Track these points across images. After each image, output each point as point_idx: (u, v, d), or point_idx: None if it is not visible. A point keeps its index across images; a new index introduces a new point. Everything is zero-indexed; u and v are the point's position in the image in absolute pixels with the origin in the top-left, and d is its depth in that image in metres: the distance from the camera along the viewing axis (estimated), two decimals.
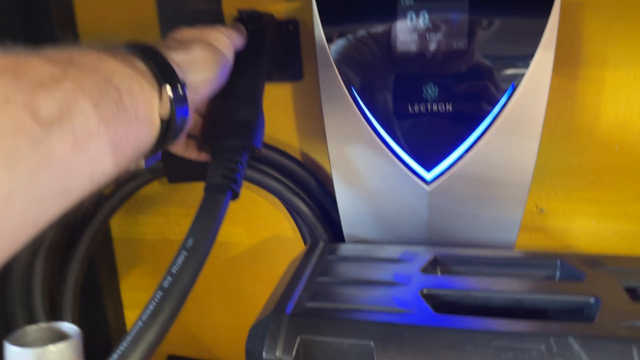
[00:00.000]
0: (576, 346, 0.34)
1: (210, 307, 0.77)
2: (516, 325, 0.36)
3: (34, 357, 0.23)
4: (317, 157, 0.65)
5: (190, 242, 0.36)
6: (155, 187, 0.71)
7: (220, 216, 0.38)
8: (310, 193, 0.64)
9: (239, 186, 0.41)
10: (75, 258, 0.61)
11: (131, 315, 0.80)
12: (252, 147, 0.43)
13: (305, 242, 0.67)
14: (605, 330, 0.35)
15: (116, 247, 0.76)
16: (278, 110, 0.64)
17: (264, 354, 0.37)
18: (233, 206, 0.70)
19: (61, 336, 0.25)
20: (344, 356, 0.37)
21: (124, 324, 0.79)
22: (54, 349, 0.24)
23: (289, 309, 0.40)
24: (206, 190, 0.40)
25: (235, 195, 0.41)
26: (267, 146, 0.64)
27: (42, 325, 0.26)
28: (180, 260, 0.35)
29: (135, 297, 0.79)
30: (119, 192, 0.63)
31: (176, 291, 0.34)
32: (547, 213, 0.62)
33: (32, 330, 0.26)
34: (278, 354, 0.37)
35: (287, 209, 0.67)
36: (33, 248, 0.60)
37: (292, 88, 0.63)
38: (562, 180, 0.60)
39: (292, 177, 0.64)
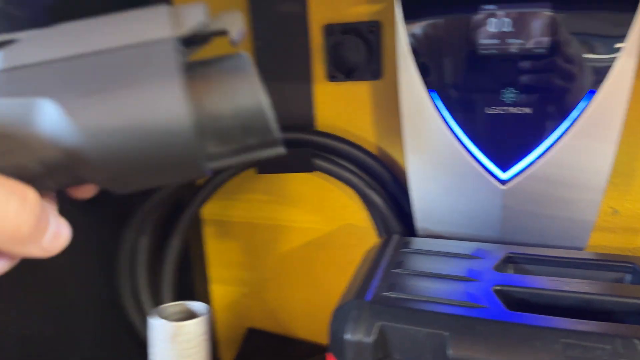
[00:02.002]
0: None
1: (287, 286, 0.83)
2: (583, 325, 0.39)
3: (174, 329, 0.28)
4: (393, 152, 0.69)
5: None
6: (242, 176, 0.76)
7: None
8: (385, 186, 0.67)
9: None
10: (175, 238, 0.68)
11: (216, 289, 0.87)
12: None
13: (378, 232, 0.71)
14: None
15: (205, 228, 0.83)
16: (356, 107, 0.68)
17: (346, 336, 0.42)
18: (312, 196, 0.75)
19: (191, 313, 0.31)
20: (419, 344, 0.40)
21: (209, 297, 0.86)
22: (191, 324, 0.29)
23: (369, 296, 0.44)
24: None
25: None
26: (345, 141, 0.68)
27: (176, 303, 0.32)
28: None
29: (220, 272, 0.86)
30: (213, 181, 0.69)
31: None
32: (621, 214, 0.62)
33: (170, 307, 0.31)
34: (359, 336, 0.41)
35: (362, 201, 0.71)
36: (139, 227, 0.68)
37: (370, 86, 0.67)
38: (637, 182, 0.60)
39: (368, 171, 0.67)
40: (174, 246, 0.67)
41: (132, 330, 0.72)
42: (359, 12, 0.63)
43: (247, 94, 0.24)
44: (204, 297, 0.85)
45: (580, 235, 0.56)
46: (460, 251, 0.52)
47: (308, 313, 0.82)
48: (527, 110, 0.53)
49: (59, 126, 0.23)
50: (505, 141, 0.54)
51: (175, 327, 0.28)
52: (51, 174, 0.24)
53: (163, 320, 0.28)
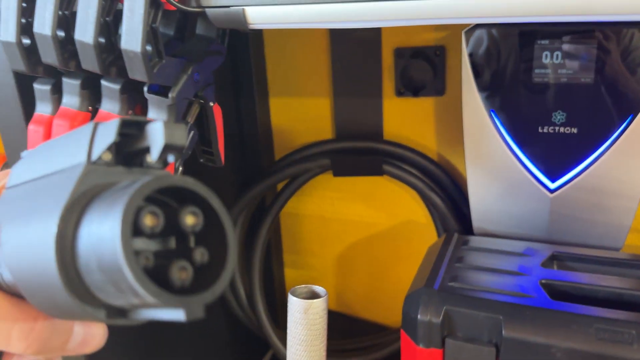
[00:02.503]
0: None
1: (352, 272, 0.94)
2: (614, 314, 0.48)
3: (305, 306, 0.39)
4: (452, 159, 0.78)
5: None
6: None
7: None
8: (445, 190, 0.77)
9: None
10: (262, 231, 0.80)
11: (289, 273, 0.99)
12: None
13: (437, 230, 0.80)
14: None
15: (282, 220, 0.95)
16: (420, 119, 0.78)
17: (418, 317, 0.52)
18: (377, 194, 0.85)
19: (315, 294, 0.42)
20: (478, 325, 0.50)
21: (284, 280, 0.99)
22: (318, 301, 0.40)
23: (436, 285, 0.54)
24: None
25: None
26: (410, 149, 0.78)
27: (303, 286, 0.42)
28: None
29: (294, 259, 0.98)
30: (294, 183, 0.81)
31: None
32: None
33: (298, 289, 0.42)
34: (429, 317, 0.52)
35: (424, 202, 0.81)
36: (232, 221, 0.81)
37: (433, 101, 0.76)
38: None
39: (430, 176, 0.77)
40: (261, 238, 0.80)
41: (228, 308, 0.85)
42: (426, 38, 0.73)
43: (109, 244, 0.19)
44: (280, 280, 0.98)
45: (617, 237, 0.64)
46: (512, 249, 0.62)
47: (370, 296, 0.93)
48: (574, 130, 0.61)
49: None
50: (554, 156, 0.63)
51: (306, 303, 0.39)
52: None
53: (297, 298, 0.40)
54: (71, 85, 0.50)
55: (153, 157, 0.21)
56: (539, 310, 0.49)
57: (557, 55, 0.60)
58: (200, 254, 0.21)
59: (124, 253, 0.18)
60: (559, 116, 0.62)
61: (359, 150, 0.79)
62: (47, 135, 0.50)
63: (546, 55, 0.60)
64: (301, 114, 0.85)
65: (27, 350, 0.25)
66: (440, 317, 0.51)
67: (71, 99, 0.50)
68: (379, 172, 0.77)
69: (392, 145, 0.78)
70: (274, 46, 0.83)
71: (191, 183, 0.21)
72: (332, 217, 0.90)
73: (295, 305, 0.39)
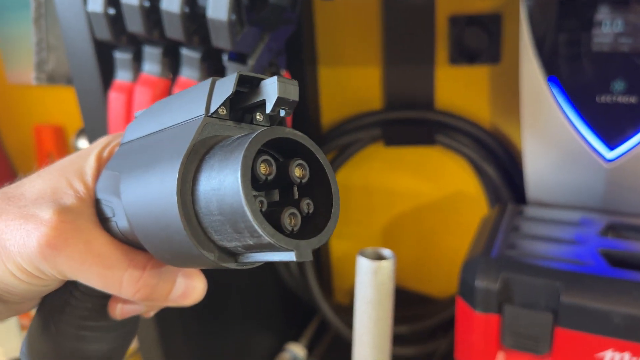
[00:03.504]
0: None
1: (400, 243, 0.95)
2: None
3: (374, 266, 0.41)
4: (506, 129, 0.78)
5: None
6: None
7: None
8: (498, 160, 0.77)
9: None
10: None
11: (336, 243, 1.01)
12: None
13: (489, 200, 0.81)
14: None
15: None
16: (474, 88, 0.77)
17: (476, 283, 0.53)
18: (425, 166, 0.86)
19: (382, 256, 0.43)
20: (536, 292, 0.51)
21: (329, 251, 1.01)
22: (385, 264, 0.42)
23: (494, 253, 0.55)
24: None
25: None
26: (462, 119, 0.78)
27: (372, 248, 0.44)
28: None
29: (340, 229, 0.99)
30: (345, 152, 0.82)
31: None
32: None
33: (367, 250, 0.43)
34: (486, 284, 0.53)
35: (476, 172, 0.81)
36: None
37: (488, 70, 0.76)
38: None
39: (483, 146, 0.77)
40: None
41: (278, 276, 0.88)
42: (482, 6, 0.72)
43: (230, 187, 0.20)
44: (326, 250, 1.00)
45: None
46: (569, 219, 0.62)
47: (417, 267, 0.95)
48: (633, 99, 0.60)
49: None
50: (612, 126, 0.62)
51: (376, 264, 0.40)
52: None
53: (367, 259, 0.41)
54: (153, 54, 0.52)
55: (268, 109, 0.23)
56: (597, 277, 0.49)
57: (618, 23, 0.59)
58: (307, 205, 0.23)
59: (244, 194, 0.19)
60: (618, 85, 0.61)
61: (411, 121, 0.79)
62: (129, 101, 0.53)
63: (607, 23, 0.59)
64: (350, 83, 0.86)
65: (135, 296, 0.27)
66: (498, 284, 0.52)
67: (152, 67, 0.53)
68: (431, 141, 0.78)
69: (444, 115, 0.78)
70: (324, 14, 0.83)
71: (300, 136, 0.22)
72: (380, 188, 0.91)
73: (364, 267, 0.41)
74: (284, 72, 0.53)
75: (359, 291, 0.42)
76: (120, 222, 0.27)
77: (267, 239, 0.20)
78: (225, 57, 0.50)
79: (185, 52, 0.52)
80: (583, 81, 0.62)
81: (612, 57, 0.60)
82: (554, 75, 0.63)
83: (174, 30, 0.48)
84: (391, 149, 0.86)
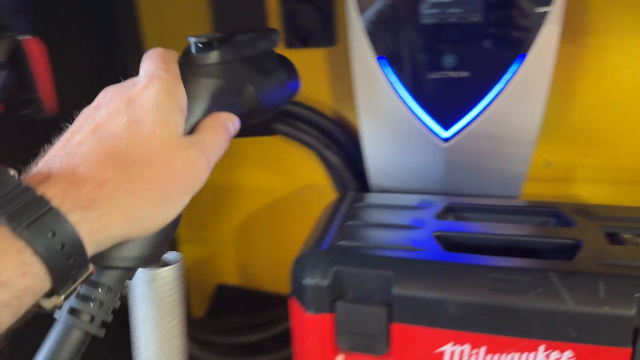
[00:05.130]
0: (555, 279, 0.43)
1: (254, 243, 0.88)
2: (508, 262, 0.45)
3: (150, 276, 0.32)
4: (348, 114, 0.73)
5: None
6: None
7: None
8: (342, 147, 0.72)
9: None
10: None
11: (186, 249, 0.92)
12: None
13: (336, 190, 0.76)
14: (580, 267, 0.44)
15: None
16: (313, 72, 0.72)
17: (305, 281, 0.47)
18: (273, 158, 0.79)
19: (166, 263, 0.35)
20: (368, 284, 0.46)
21: None
22: (165, 272, 0.33)
23: (325, 246, 0.49)
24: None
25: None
26: (303, 105, 0.72)
27: None
28: None
29: (189, 233, 0.91)
30: None
31: None
32: (554, 166, 0.69)
33: None
34: (316, 280, 0.47)
35: (321, 161, 0.76)
36: None
37: (325, 53, 0.71)
38: (568, 136, 0.67)
39: (326, 133, 0.72)
40: None
41: None
42: None
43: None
44: None
45: (514, 185, 0.62)
46: (407, 203, 0.58)
47: (273, 267, 0.88)
48: (465, 74, 0.58)
49: (255, 97, 0.41)
50: (446, 103, 0.59)
51: (151, 274, 0.32)
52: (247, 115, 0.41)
53: (141, 269, 0.33)
54: None
55: None
56: (430, 263, 0.46)
57: None
58: None
59: None
60: (449, 60, 0.58)
61: None
62: None
63: None
64: None
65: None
66: (328, 279, 0.46)
67: None
68: (271, 131, 0.71)
69: None
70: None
71: None
72: (228, 186, 0.84)
73: (137, 278, 0.33)
74: (28, 38, 0.42)
75: (135, 308, 0.33)
76: None
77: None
78: None
79: None
80: (414, 58, 0.59)
81: (441, 30, 0.57)
82: (384, 53, 0.59)
83: None
84: (233, 141, 0.79)
